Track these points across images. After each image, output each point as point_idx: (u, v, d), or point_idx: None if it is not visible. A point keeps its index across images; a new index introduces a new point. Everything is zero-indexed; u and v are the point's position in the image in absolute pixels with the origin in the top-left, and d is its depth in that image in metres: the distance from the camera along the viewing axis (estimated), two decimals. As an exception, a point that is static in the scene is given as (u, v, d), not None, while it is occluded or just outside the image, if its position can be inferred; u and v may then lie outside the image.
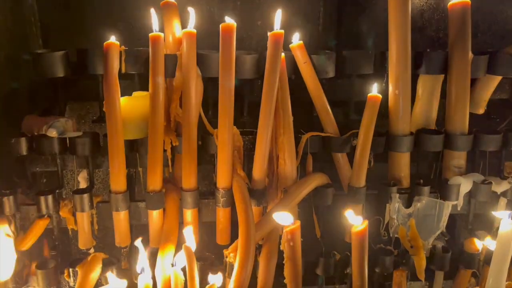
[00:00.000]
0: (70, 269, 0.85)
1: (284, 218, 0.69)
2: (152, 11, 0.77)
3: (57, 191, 0.84)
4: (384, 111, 0.84)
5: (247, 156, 0.85)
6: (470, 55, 0.82)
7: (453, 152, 0.86)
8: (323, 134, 0.85)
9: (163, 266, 0.79)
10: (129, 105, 0.80)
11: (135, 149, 0.84)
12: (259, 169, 0.82)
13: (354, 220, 0.68)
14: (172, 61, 0.80)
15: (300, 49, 0.81)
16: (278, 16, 0.75)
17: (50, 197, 0.82)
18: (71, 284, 0.85)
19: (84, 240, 0.85)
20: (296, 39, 0.81)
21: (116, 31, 0.79)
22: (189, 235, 0.75)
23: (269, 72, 0.77)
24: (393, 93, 0.82)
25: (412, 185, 0.87)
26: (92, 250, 0.86)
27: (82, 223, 0.84)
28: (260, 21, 0.96)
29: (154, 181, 0.82)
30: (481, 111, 0.90)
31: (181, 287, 0.75)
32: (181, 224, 0.86)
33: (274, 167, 0.85)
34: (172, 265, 0.77)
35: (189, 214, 0.85)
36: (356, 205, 0.85)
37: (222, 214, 0.85)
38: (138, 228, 0.89)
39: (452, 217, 0.88)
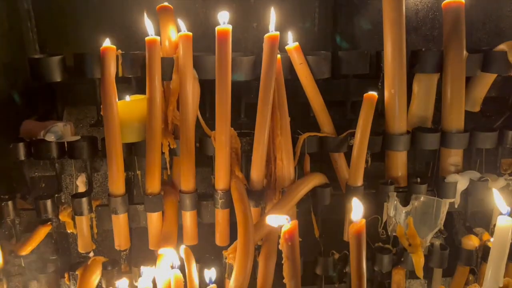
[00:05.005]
0: (70, 273, 0.85)
1: (277, 220, 0.69)
2: (146, 17, 0.77)
3: (56, 195, 0.84)
4: (380, 110, 0.85)
5: (245, 157, 0.85)
6: (465, 53, 0.82)
7: (449, 150, 0.86)
8: (320, 134, 0.85)
9: (163, 268, 0.79)
10: (126, 109, 0.81)
11: (133, 152, 0.84)
12: (257, 170, 0.82)
13: (357, 208, 0.67)
14: (168, 64, 0.80)
15: (296, 51, 0.81)
16: (272, 15, 0.76)
17: (49, 202, 0.82)
18: (71, 288, 0.86)
19: (84, 244, 0.85)
20: (292, 40, 0.81)
21: (113, 35, 0.79)
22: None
23: (265, 74, 0.77)
24: (389, 92, 0.83)
25: (410, 183, 0.87)
26: (92, 254, 0.87)
27: (82, 227, 0.84)
28: (256, 23, 0.97)
29: (153, 184, 0.82)
30: (476, 109, 0.90)
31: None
32: (180, 226, 0.86)
33: (272, 168, 0.85)
34: (172, 267, 0.77)
35: (188, 216, 0.85)
36: (354, 204, 0.85)
37: (220, 216, 0.85)
38: (138, 231, 0.89)
39: (449, 214, 0.88)
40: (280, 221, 0.67)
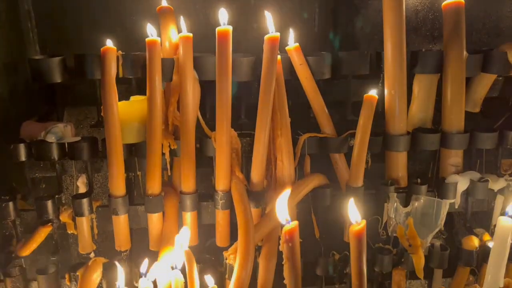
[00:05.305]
0: (71, 274, 0.85)
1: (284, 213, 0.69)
2: (149, 26, 0.77)
3: (56, 196, 0.84)
4: (380, 111, 0.85)
5: (245, 158, 0.85)
6: (465, 54, 0.82)
7: (449, 150, 0.86)
8: (320, 135, 0.85)
9: (163, 269, 0.79)
10: (127, 109, 0.81)
11: (133, 153, 0.84)
12: (257, 171, 0.82)
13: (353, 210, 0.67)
14: (169, 65, 0.80)
15: (297, 51, 0.81)
16: (268, 18, 0.76)
17: (49, 203, 0.82)
18: (72, 288, 0.86)
19: (84, 245, 0.85)
20: (292, 41, 0.81)
21: (113, 36, 0.79)
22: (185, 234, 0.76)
23: (265, 75, 0.77)
24: (389, 93, 0.83)
25: (410, 184, 0.87)
26: (92, 255, 0.87)
27: (82, 228, 0.84)
28: (256, 24, 0.97)
29: (153, 185, 0.82)
30: (476, 109, 0.90)
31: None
32: (180, 227, 0.86)
33: (272, 168, 0.85)
34: (172, 268, 0.77)
35: (188, 217, 0.85)
36: (354, 205, 0.85)
37: (221, 217, 0.85)
38: (138, 231, 0.89)
39: (449, 215, 0.88)
40: (281, 220, 0.67)
